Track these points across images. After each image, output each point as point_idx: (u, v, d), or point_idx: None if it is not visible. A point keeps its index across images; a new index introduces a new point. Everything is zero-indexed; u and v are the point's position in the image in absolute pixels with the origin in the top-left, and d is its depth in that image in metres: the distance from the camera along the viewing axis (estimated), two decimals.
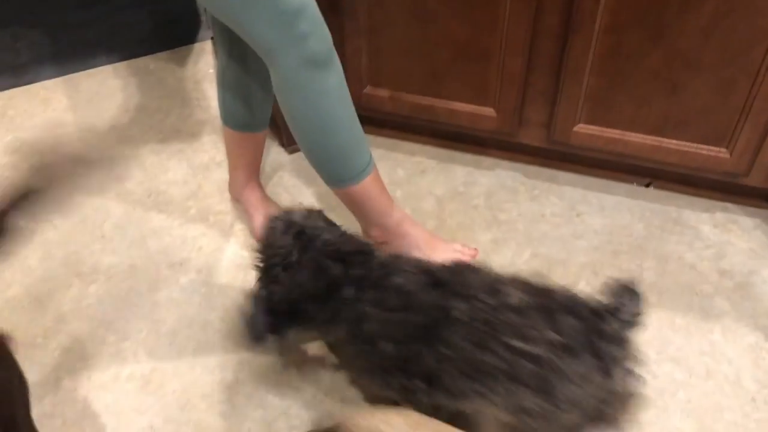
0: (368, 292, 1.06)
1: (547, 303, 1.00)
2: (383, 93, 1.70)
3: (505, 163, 1.78)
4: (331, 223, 1.17)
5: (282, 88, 1.24)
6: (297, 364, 1.30)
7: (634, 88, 1.47)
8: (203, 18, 2.36)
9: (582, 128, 1.57)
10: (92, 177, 1.77)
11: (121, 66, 2.25)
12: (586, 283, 1.45)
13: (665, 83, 1.44)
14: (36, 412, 1.20)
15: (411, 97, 1.68)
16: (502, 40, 1.50)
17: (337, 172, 1.32)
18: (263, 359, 1.31)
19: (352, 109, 1.28)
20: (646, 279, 1.46)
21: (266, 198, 1.61)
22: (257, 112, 1.47)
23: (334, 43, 1.20)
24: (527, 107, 1.60)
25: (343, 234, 1.15)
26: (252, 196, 1.58)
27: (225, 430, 1.20)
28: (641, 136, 1.53)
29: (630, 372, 1.02)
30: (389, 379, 1.08)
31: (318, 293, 1.07)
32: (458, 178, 1.74)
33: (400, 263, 1.11)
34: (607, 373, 0.98)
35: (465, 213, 1.64)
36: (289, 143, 1.83)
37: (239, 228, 1.61)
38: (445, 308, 1.00)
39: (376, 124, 1.84)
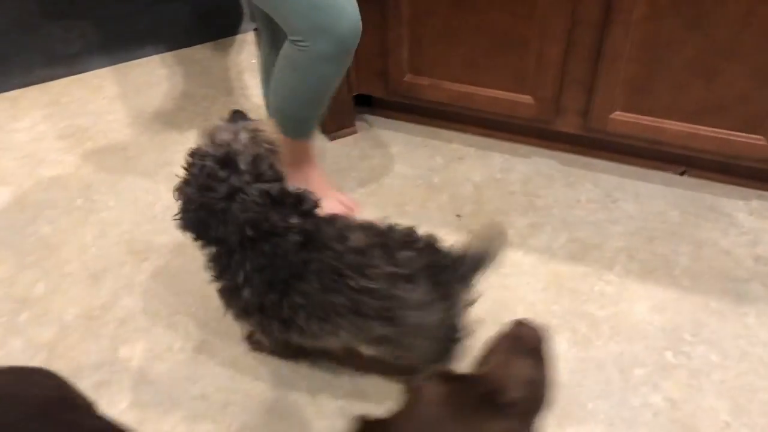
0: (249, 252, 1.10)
1: (387, 241, 1.08)
2: (423, 81, 1.74)
3: (542, 151, 1.81)
4: (274, 170, 1.08)
5: (291, 62, 1.34)
6: None
7: (671, 75, 1.49)
8: (245, 10, 2.43)
9: (619, 116, 1.59)
10: (143, 161, 1.85)
11: (168, 56, 2.33)
12: (621, 267, 1.48)
13: (702, 71, 1.46)
14: (94, 379, 1.28)
15: (450, 84, 1.72)
16: (540, 29, 1.53)
17: (295, 130, 1.49)
18: None
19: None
20: (681, 264, 1.48)
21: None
22: None
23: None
24: (564, 95, 1.62)
25: (271, 200, 1.07)
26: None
27: (272, 400, 1.26)
28: (678, 123, 1.55)
29: (466, 296, 1.10)
30: (250, 318, 1.17)
31: (210, 238, 1.10)
32: (495, 165, 1.78)
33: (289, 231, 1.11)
34: (444, 296, 1.06)
35: (502, 198, 1.67)
36: (329, 130, 1.88)
37: None
38: (306, 262, 1.07)
39: (416, 112, 1.89)
